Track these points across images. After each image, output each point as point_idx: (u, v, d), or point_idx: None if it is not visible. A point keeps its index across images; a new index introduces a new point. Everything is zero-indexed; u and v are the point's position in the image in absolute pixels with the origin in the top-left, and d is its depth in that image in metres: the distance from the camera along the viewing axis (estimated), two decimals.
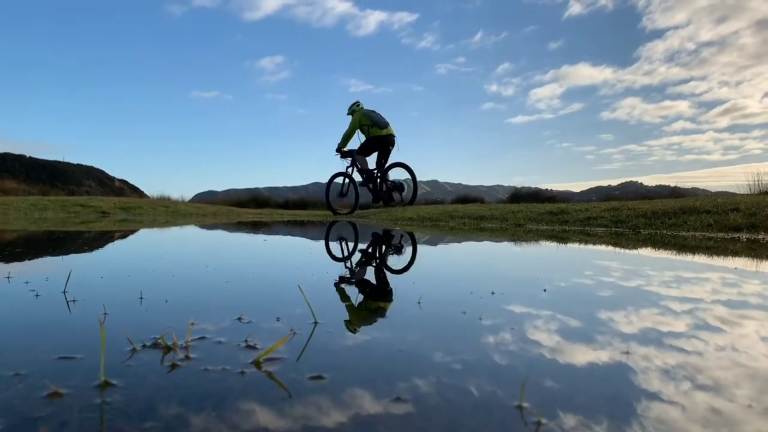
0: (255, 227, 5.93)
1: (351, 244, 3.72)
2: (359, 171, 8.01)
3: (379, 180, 7.94)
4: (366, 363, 0.83)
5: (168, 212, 9.59)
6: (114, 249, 3.12)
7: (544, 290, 1.57)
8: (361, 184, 8.12)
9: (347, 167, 8.19)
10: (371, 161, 7.95)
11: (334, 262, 2.43)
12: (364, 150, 7.86)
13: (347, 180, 8.20)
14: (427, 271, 2.17)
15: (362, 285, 1.69)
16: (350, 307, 1.31)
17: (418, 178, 7.86)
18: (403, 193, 7.97)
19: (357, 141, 7.97)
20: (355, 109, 7.99)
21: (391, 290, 1.59)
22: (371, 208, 9.18)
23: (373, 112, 7.81)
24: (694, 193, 11.68)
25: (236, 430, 0.59)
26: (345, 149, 8.01)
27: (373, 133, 7.70)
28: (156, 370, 0.77)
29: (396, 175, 8.09)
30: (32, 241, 3.51)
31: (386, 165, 7.92)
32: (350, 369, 0.80)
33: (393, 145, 7.78)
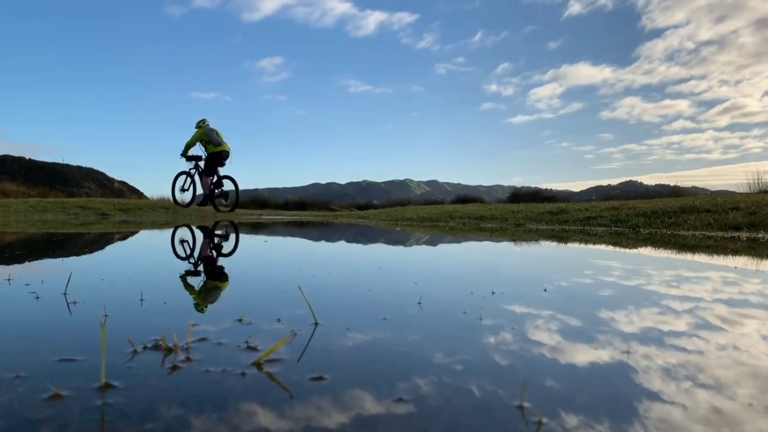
0: (255, 228, 5.93)
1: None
2: (202, 178, 9.82)
3: (212, 187, 9.84)
4: (367, 363, 0.83)
5: (168, 213, 9.58)
6: (114, 251, 3.12)
7: (545, 290, 1.57)
8: (205, 190, 9.95)
9: (190, 168, 10.01)
10: (210, 171, 9.79)
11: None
12: (207, 167, 9.69)
13: (189, 179, 10.04)
14: (427, 272, 2.17)
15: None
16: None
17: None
18: (229, 201, 9.97)
19: (198, 149, 9.86)
20: (201, 126, 9.73)
21: (226, 273, 1.60)
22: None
23: (213, 131, 9.62)
24: (693, 192, 11.68)
25: (237, 431, 0.59)
26: (188, 155, 9.85)
27: (209, 150, 9.57)
28: (157, 372, 0.77)
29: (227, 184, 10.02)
30: (32, 243, 3.51)
31: (219, 176, 9.78)
32: (351, 370, 0.80)
33: (226, 159, 9.69)
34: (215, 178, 9.76)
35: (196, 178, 9.96)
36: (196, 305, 1.31)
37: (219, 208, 9.92)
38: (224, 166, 9.77)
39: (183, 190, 10.15)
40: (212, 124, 9.73)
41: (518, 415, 0.64)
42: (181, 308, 1.25)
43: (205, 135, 9.57)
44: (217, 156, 9.57)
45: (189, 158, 9.86)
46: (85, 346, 0.90)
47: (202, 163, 9.89)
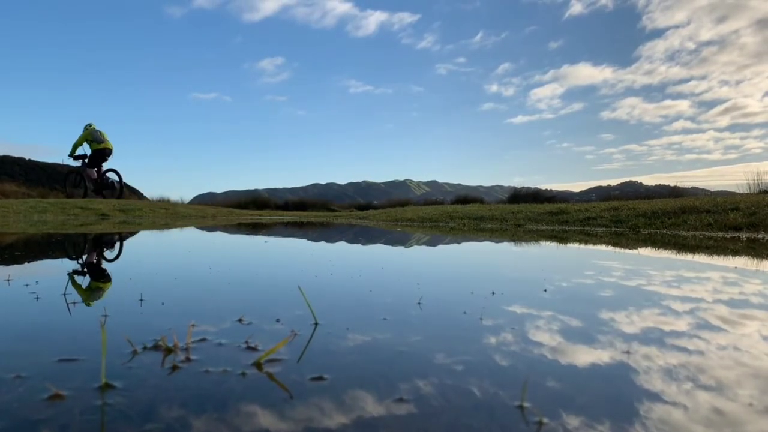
0: (255, 229, 5.93)
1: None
2: (87, 172, 11.48)
3: (97, 179, 11.55)
4: (367, 364, 0.83)
5: (168, 214, 9.59)
6: (114, 251, 3.11)
7: (545, 290, 1.57)
8: (90, 184, 11.61)
9: (78, 166, 11.61)
10: (95, 166, 11.58)
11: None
12: (91, 160, 11.40)
13: (78, 175, 11.72)
14: (427, 272, 2.17)
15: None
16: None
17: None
18: (113, 191, 11.62)
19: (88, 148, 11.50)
20: (87, 128, 11.35)
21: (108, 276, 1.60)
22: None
23: (97, 131, 11.32)
24: (693, 192, 11.68)
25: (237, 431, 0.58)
26: (75, 154, 11.41)
27: (93, 147, 11.28)
28: (157, 372, 0.77)
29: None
30: (32, 243, 3.51)
31: (104, 169, 11.55)
32: (351, 370, 0.80)
33: (109, 155, 11.44)
34: (100, 171, 11.48)
35: (85, 173, 11.56)
36: (196, 305, 1.31)
37: (106, 197, 11.46)
38: (107, 161, 11.50)
39: (75, 185, 11.83)
40: (97, 127, 11.28)
41: (519, 415, 0.64)
42: (181, 308, 1.25)
43: (90, 135, 11.20)
44: (101, 152, 11.26)
45: (76, 157, 11.42)
46: (85, 346, 0.90)
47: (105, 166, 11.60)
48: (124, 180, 11.77)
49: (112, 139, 11.47)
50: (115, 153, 11.45)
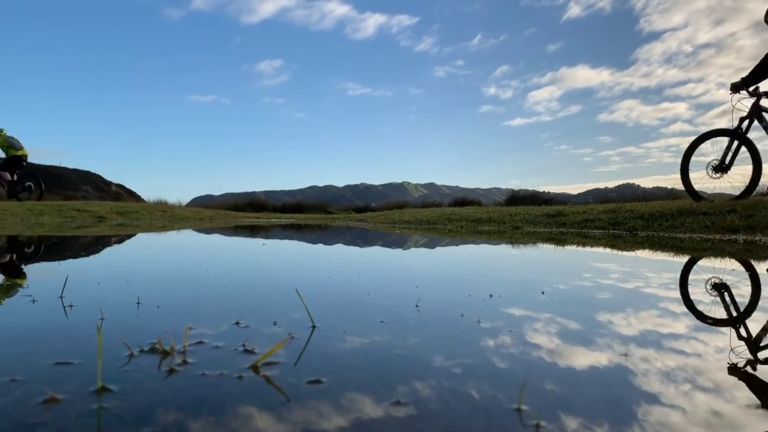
0: (253, 231, 5.93)
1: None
2: (2, 176, 11.83)
3: (13, 183, 11.96)
4: (364, 366, 0.83)
5: (165, 216, 9.57)
6: (111, 254, 3.11)
7: (543, 293, 1.57)
8: (7, 190, 12.09)
9: None
10: (12, 171, 11.96)
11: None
12: (8, 165, 11.81)
13: None
14: (425, 275, 2.17)
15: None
16: None
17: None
18: (31, 194, 12.11)
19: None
20: None
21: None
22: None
23: (12, 137, 11.72)
24: None
25: None
26: None
27: (11, 153, 11.62)
28: (153, 376, 0.76)
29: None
30: (28, 246, 3.50)
31: (20, 174, 12.00)
32: (348, 373, 0.79)
33: (25, 161, 11.94)
34: (17, 177, 11.89)
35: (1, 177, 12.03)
36: (193, 308, 1.31)
37: (22, 200, 11.81)
38: (24, 167, 11.99)
39: None
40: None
41: (516, 418, 0.63)
42: (178, 311, 1.24)
43: (6, 142, 11.55)
44: (18, 159, 11.68)
45: None
46: (82, 349, 0.89)
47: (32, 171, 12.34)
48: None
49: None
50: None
